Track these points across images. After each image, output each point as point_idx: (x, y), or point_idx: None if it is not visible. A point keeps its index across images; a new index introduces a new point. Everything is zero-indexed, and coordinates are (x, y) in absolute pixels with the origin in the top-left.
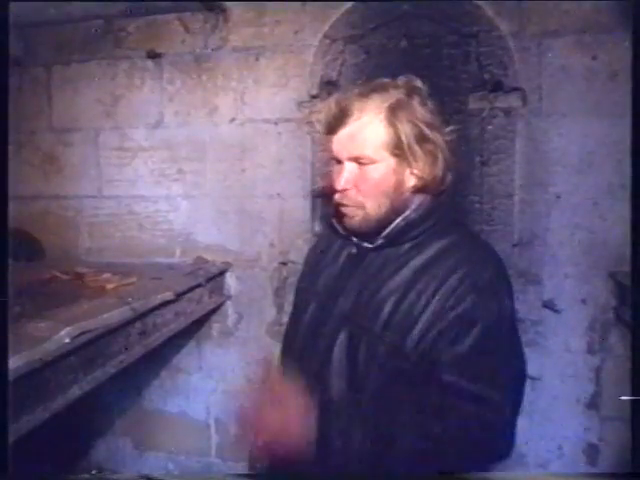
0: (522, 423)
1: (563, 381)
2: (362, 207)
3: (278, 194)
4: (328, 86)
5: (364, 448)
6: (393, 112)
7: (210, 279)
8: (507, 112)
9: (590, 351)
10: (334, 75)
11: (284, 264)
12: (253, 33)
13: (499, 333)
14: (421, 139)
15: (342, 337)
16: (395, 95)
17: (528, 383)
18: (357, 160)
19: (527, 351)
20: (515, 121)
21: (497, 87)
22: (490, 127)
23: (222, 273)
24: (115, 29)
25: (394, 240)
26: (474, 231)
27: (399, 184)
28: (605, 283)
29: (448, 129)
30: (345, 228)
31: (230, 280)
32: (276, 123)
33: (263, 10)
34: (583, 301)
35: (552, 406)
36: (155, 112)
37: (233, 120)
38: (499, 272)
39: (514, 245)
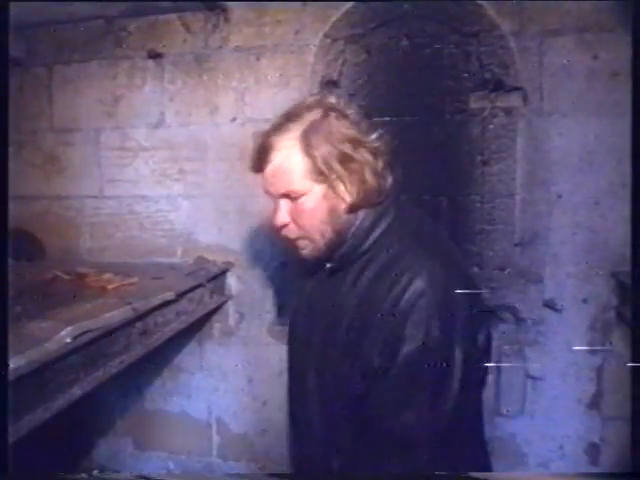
0: (523, 423)
1: (564, 381)
2: (307, 238)
3: None
4: (329, 86)
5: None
6: (307, 139)
7: (211, 279)
8: (508, 111)
9: (591, 351)
10: (335, 75)
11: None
12: (254, 33)
13: (420, 359)
14: (343, 160)
15: (314, 366)
16: (309, 119)
17: (529, 383)
18: (287, 196)
19: (528, 350)
20: (516, 120)
21: (498, 86)
22: (491, 126)
23: (223, 273)
24: (116, 29)
25: (348, 258)
26: (423, 234)
27: (333, 209)
28: (606, 282)
29: (374, 136)
30: (302, 258)
31: (231, 280)
32: None
33: (264, 10)
34: (584, 300)
35: (553, 406)
36: (156, 112)
37: (234, 120)
38: (434, 282)
39: (515, 244)
